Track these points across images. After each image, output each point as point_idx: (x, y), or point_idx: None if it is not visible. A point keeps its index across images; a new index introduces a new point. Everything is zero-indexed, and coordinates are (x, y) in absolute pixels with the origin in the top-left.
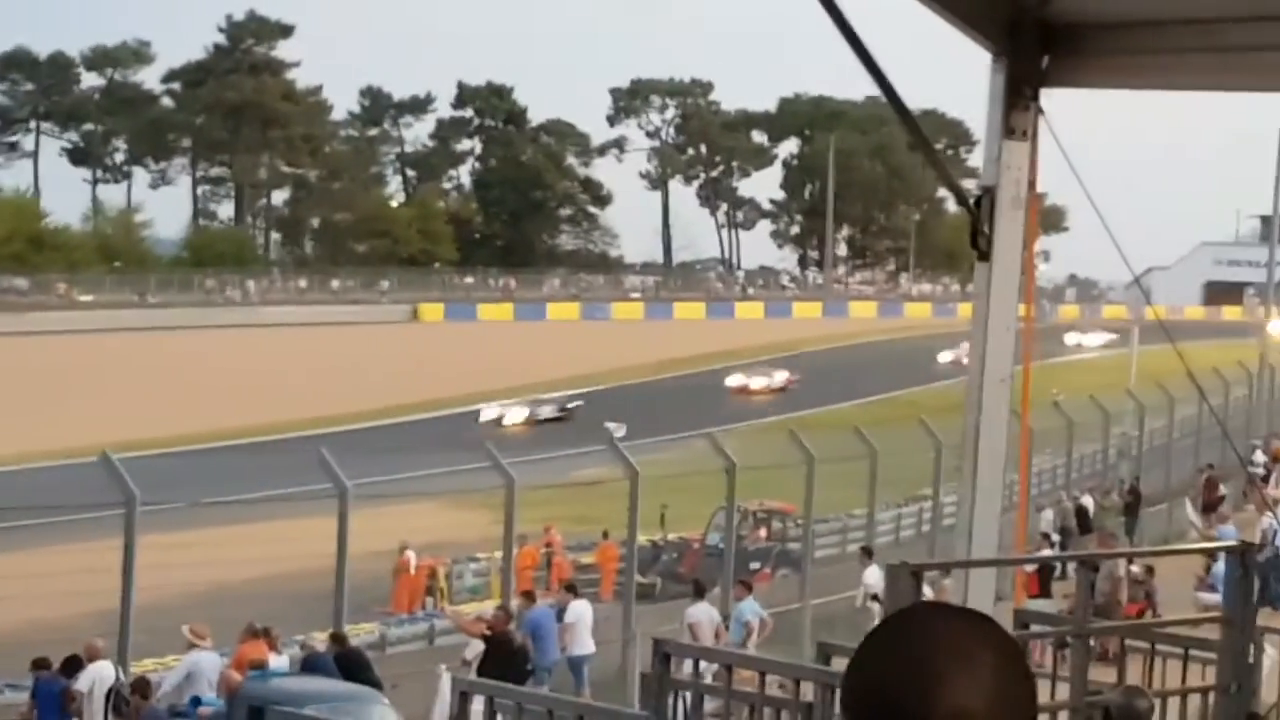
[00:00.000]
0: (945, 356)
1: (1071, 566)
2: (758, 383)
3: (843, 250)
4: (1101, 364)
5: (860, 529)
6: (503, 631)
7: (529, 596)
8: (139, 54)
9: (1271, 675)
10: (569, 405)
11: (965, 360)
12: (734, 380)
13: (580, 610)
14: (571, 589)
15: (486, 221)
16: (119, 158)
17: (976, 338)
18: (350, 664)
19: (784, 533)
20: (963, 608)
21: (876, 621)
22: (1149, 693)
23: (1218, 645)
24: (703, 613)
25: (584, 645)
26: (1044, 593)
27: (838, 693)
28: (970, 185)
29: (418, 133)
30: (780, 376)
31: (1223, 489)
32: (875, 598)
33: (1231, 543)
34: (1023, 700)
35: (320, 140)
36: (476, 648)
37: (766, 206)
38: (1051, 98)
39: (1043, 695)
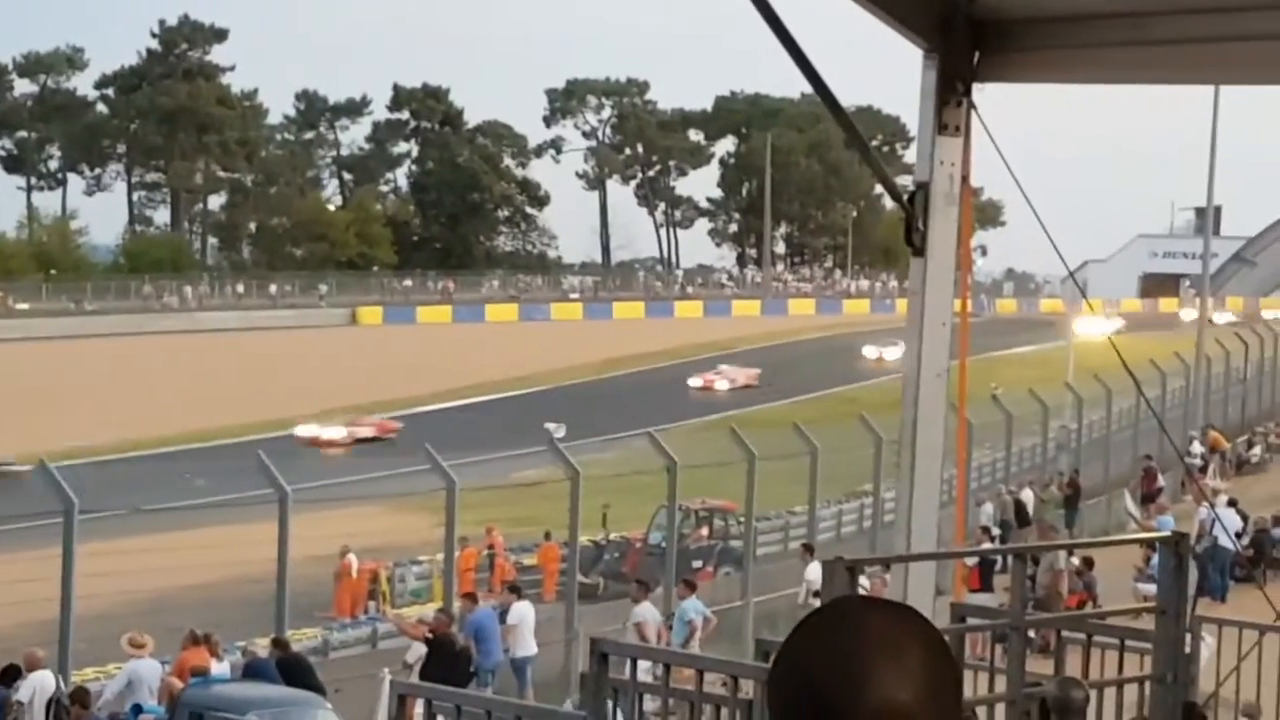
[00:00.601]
0: (694, 382)
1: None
2: (332, 434)
3: (780, 248)
4: (1039, 358)
5: (802, 526)
6: (444, 634)
7: (471, 598)
8: (72, 60)
9: (1210, 665)
10: (8, 465)
11: (718, 386)
12: (304, 430)
13: (523, 611)
14: (515, 590)
15: (424, 224)
16: (53, 165)
17: (912, 333)
18: (292, 669)
19: (726, 531)
20: (889, 600)
21: None
22: (1085, 684)
23: (1153, 636)
24: (648, 612)
25: (527, 647)
26: (985, 586)
27: None
28: (905, 181)
29: (354, 136)
30: (365, 429)
31: (1161, 480)
32: (817, 594)
33: (1166, 533)
34: (949, 691)
35: (256, 144)
36: (419, 651)
37: (704, 205)
38: (984, 93)
39: (981, 688)
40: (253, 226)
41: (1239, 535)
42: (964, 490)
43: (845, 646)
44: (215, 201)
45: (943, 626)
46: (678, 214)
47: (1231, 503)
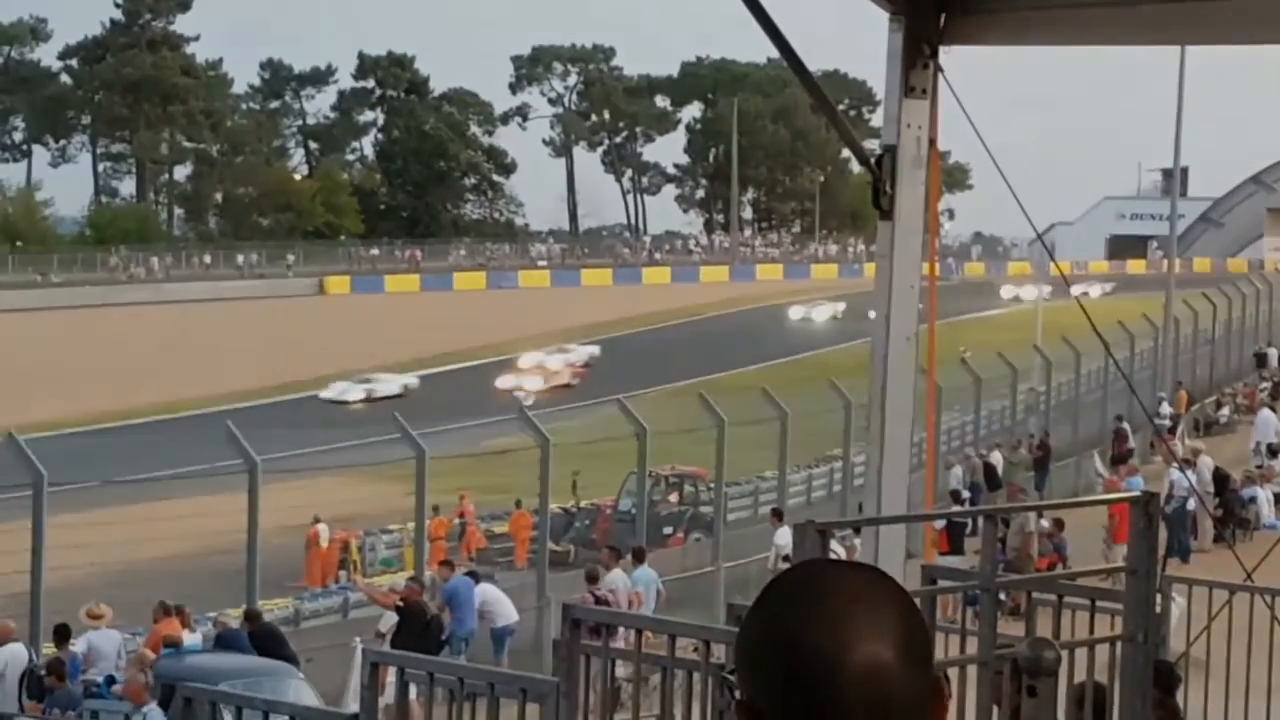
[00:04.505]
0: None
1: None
2: None
3: (748, 213)
4: (1008, 320)
5: (772, 491)
6: (415, 602)
7: (448, 565)
8: (36, 31)
9: (1180, 625)
10: None
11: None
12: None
13: (490, 592)
14: (473, 574)
15: (391, 192)
16: (17, 136)
17: (881, 297)
18: (265, 639)
19: (696, 496)
20: (856, 562)
21: None
22: (1056, 644)
23: (1123, 596)
24: (619, 579)
25: (508, 616)
26: (955, 549)
27: None
28: (873, 145)
29: (319, 105)
30: None
31: (1131, 442)
32: (787, 559)
33: (1136, 494)
34: (922, 652)
35: (221, 114)
36: (391, 620)
37: (671, 171)
38: (950, 55)
39: (953, 650)
40: (219, 197)
41: (1214, 495)
42: (933, 453)
43: (825, 605)
44: (181, 172)
45: (914, 589)
46: (645, 180)
47: (1186, 460)
